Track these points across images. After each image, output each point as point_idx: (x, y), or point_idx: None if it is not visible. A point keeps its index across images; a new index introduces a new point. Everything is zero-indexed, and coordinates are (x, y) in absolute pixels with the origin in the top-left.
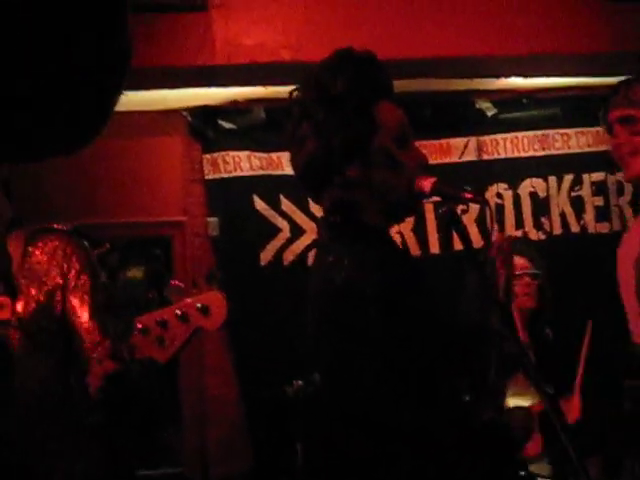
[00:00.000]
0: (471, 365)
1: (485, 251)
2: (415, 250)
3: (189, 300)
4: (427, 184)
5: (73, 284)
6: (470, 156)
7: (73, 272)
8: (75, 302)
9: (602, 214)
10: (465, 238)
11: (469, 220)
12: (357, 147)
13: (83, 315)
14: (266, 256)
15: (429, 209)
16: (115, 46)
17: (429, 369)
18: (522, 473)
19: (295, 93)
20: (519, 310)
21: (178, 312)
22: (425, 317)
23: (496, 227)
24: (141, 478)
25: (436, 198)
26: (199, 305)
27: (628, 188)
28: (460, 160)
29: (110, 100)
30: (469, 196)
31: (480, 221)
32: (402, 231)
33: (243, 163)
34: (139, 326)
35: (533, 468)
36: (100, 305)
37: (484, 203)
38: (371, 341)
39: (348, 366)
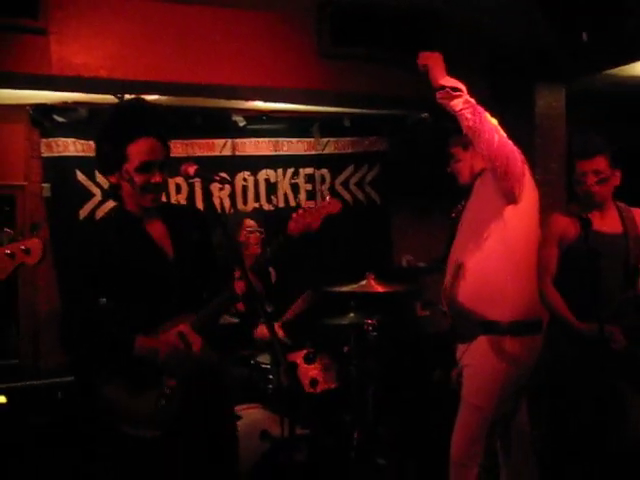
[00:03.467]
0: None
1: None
2: None
3: (16, 244)
4: (192, 169)
5: None
6: (227, 152)
7: None
8: None
9: (310, 195)
10: (212, 205)
11: (224, 194)
12: (111, 168)
13: None
14: (83, 213)
15: (198, 184)
16: None
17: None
18: (251, 362)
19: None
20: (252, 256)
21: (7, 251)
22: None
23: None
24: None
25: (197, 179)
26: (23, 247)
27: (327, 179)
28: (220, 154)
29: None
30: (217, 178)
31: (231, 195)
32: (179, 200)
33: (70, 146)
34: None
35: (260, 359)
36: None
37: (229, 182)
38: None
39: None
